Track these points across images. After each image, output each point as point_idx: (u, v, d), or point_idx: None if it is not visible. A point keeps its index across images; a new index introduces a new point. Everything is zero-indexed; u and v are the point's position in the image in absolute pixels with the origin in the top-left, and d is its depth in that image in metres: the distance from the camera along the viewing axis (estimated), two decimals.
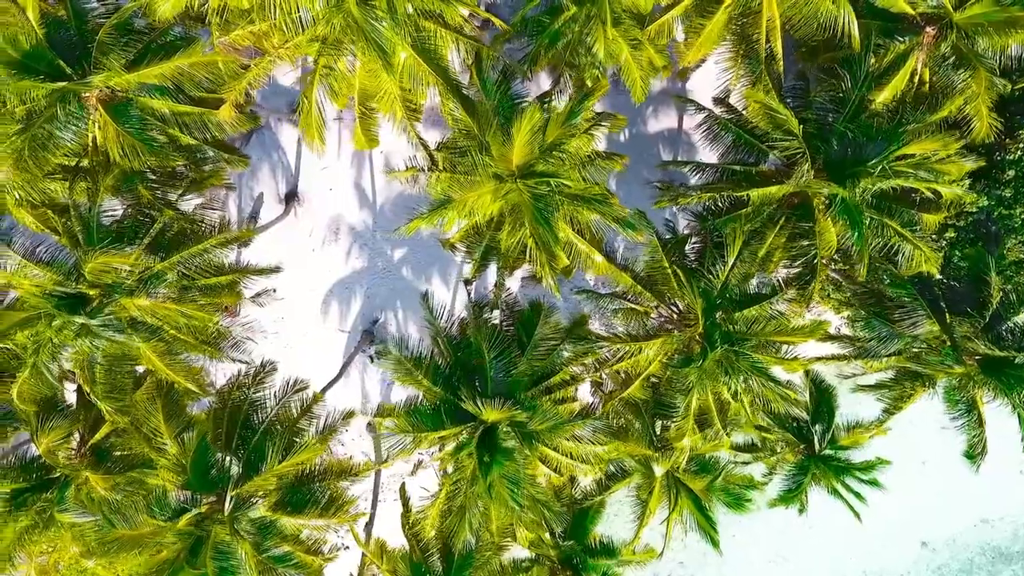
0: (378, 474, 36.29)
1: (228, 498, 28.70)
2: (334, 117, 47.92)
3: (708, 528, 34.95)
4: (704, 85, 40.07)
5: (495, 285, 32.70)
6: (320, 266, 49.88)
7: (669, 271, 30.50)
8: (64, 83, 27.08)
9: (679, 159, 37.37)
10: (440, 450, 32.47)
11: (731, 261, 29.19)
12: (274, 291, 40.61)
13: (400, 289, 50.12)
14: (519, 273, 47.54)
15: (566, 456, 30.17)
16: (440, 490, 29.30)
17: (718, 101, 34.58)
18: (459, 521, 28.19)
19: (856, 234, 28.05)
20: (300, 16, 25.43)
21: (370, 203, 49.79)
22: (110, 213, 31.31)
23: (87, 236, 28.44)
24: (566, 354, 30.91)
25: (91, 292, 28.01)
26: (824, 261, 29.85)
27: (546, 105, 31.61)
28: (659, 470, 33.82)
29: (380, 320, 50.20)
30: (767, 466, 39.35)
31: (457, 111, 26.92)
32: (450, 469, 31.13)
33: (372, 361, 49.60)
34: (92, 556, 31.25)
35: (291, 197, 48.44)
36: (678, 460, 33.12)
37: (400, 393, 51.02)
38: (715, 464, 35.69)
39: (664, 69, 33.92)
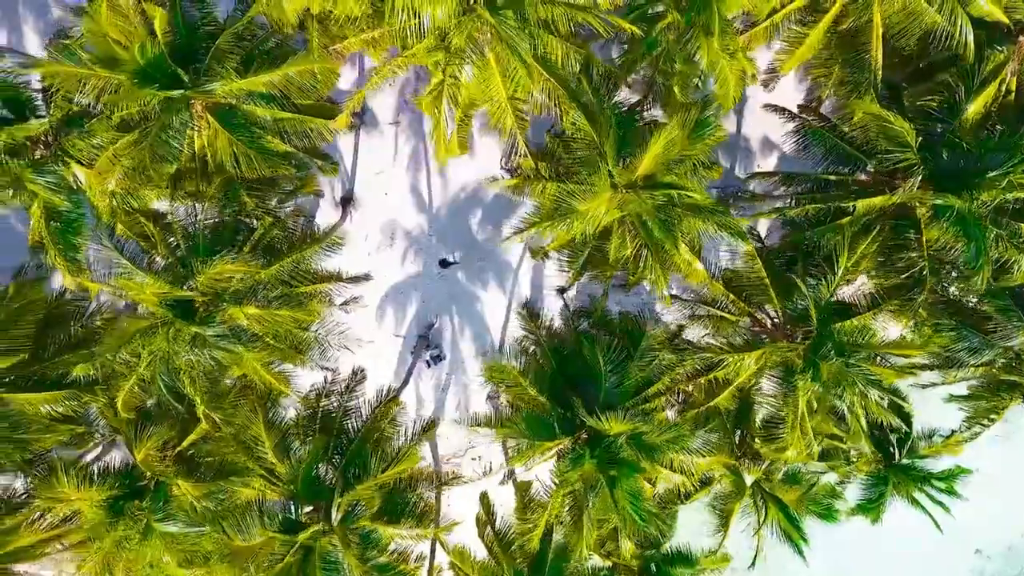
0: (439, 480, 36.12)
1: (336, 508, 28.40)
2: (390, 122, 47.83)
3: (799, 538, 34.87)
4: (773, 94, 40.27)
5: (602, 294, 32.46)
6: (375, 270, 49.70)
7: (767, 281, 30.40)
8: (183, 91, 26.86)
9: (763, 170, 37.13)
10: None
11: (840, 272, 29.12)
12: (360, 298, 40.35)
13: (455, 293, 50.00)
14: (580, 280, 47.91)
15: (666, 467, 30.08)
16: (550, 501, 29.05)
17: (804, 109, 34.52)
18: (577, 535, 27.99)
19: (973, 245, 27.98)
20: (421, 24, 25.18)
21: (426, 207, 49.66)
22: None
23: (194, 244, 28.17)
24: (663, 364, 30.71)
25: (201, 300, 27.70)
26: (930, 272, 29.78)
27: (643, 114, 31.51)
28: (749, 479, 33.76)
29: (435, 325, 50.01)
30: (839, 475, 39.25)
31: (579, 120, 26.75)
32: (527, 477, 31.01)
33: (428, 366, 49.44)
34: (191, 567, 30.91)
35: (347, 201, 48.22)
36: (772, 470, 33.07)
37: (453, 399, 51.49)
38: (802, 475, 35.59)
39: (752, 78, 33.85)
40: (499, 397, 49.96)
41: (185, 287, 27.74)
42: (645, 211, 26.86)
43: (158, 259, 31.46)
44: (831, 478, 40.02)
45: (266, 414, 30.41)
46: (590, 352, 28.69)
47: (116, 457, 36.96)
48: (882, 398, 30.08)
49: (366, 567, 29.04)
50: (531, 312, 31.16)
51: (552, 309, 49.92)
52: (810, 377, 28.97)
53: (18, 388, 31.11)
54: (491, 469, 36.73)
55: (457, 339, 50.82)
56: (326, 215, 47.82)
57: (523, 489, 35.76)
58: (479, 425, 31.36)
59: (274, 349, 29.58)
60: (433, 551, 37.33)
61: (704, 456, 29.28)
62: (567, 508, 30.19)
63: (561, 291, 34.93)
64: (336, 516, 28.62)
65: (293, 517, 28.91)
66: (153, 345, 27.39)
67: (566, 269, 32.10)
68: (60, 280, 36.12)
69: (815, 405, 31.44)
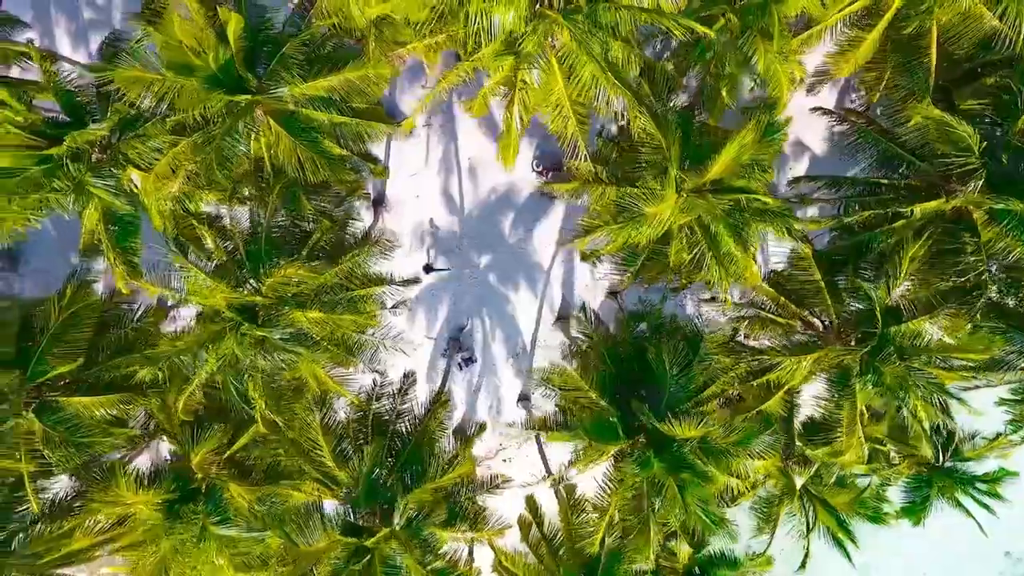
0: (492, 484, 36.09)
1: (398, 512, 28.40)
2: (423, 124, 47.86)
3: (850, 541, 34.98)
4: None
5: (661, 298, 32.52)
6: (407, 273, 49.76)
7: (821, 284, 30.51)
8: (251, 96, 26.83)
9: (811, 174, 37.12)
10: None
11: (902, 275, 29.19)
12: (409, 300, 40.36)
13: (486, 296, 49.99)
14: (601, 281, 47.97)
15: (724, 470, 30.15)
16: (608, 506, 29.10)
17: (851, 112, 34.61)
18: (643, 537, 28.04)
19: None
20: (492, 28, 25.22)
21: (457, 209, 49.66)
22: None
23: (254, 248, 28.15)
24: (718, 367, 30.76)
25: (262, 304, 27.72)
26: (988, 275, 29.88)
27: (696, 117, 31.57)
28: (799, 481, 33.85)
29: (467, 327, 50.00)
30: (880, 479, 39.33)
31: (648, 125, 26.80)
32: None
33: (460, 368, 49.46)
34: (248, 570, 30.90)
35: (379, 203, 48.16)
36: (821, 473, 33.15)
37: (484, 401, 51.53)
38: (848, 478, 35.66)
39: (800, 81, 33.94)
40: (531, 400, 50.13)
41: (246, 290, 27.65)
42: (714, 215, 26.90)
43: (210, 263, 31.41)
44: (864, 480, 40.17)
45: (323, 417, 30.25)
46: (655, 356, 28.69)
47: (144, 461, 37.16)
48: (942, 400, 30.09)
49: (425, 571, 28.98)
50: (588, 315, 31.02)
51: (588, 310, 50.24)
52: (870, 381, 28.99)
53: (73, 392, 30.97)
54: (551, 472, 36.74)
55: (488, 342, 50.84)
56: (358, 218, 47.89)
57: (569, 492, 35.79)
58: (533, 428, 31.29)
59: (331, 352, 29.44)
60: (471, 552, 37.40)
61: (765, 459, 29.27)
62: (622, 511, 30.12)
63: (614, 294, 34.87)
64: (399, 520, 28.50)
65: (353, 521, 28.75)
66: (223, 348, 27.31)
67: (620, 273, 31.99)
68: (101, 285, 36.32)
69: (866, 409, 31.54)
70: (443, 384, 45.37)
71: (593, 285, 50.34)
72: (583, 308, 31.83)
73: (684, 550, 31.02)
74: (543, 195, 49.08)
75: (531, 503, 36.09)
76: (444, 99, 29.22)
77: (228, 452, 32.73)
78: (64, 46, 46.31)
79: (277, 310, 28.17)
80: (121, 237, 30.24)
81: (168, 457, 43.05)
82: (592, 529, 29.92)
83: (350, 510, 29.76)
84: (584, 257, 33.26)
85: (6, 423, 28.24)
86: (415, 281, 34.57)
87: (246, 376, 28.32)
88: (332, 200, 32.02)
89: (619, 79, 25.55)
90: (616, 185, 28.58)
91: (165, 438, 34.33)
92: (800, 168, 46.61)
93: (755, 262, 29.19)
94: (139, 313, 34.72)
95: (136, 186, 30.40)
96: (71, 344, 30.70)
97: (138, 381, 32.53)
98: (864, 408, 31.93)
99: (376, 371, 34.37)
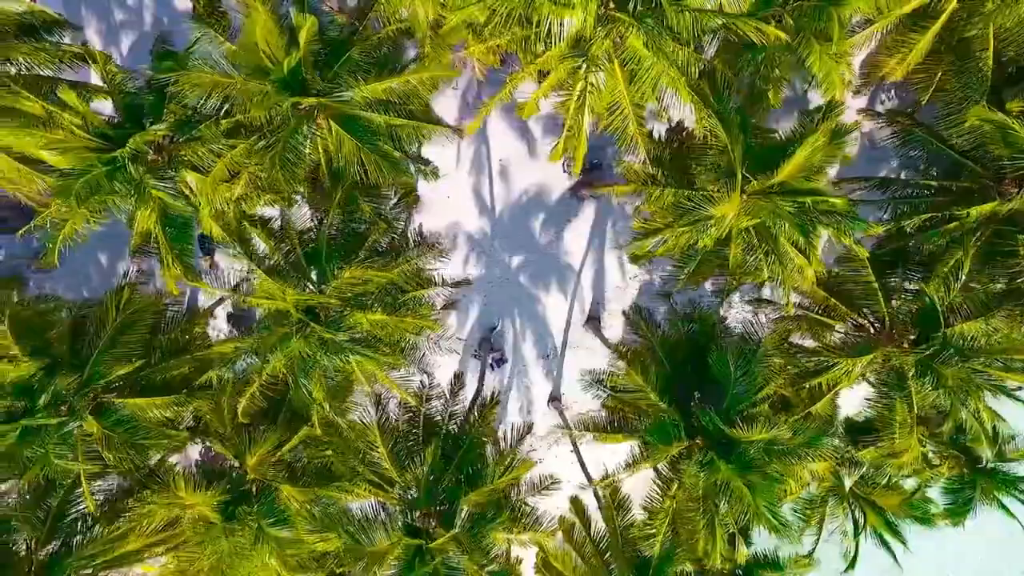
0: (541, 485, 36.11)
1: (459, 514, 28.48)
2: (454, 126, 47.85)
3: (899, 541, 35.13)
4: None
5: (719, 300, 32.62)
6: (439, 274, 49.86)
7: (875, 286, 30.70)
8: (318, 98, 26.86)
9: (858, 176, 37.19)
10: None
11: (964, 276, 29.35)
12: (459, 302, 40.44)
13: (518, 296, 50.12)
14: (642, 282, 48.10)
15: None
16: (666, 508, 29.21)
17: (898, 115, 34.76)
18: (712, 539, 28.13)
19: None
20: (561, 31, 25.32)
21: (488, 211, 49.74)
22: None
23: (316, 249, 28.20)
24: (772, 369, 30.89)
25: (329, 305, 27.78)
26: None
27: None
28: (848, 483, 34.00)
29: (498, 328, 50.10)
30: (919, 480, 39.40)
31: (715, 127, 26.93)
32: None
33: (492, 369, 49.52)
34: (304, 571, 30.96)
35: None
36: (871, 475, 33.30)
37: (515, 402, 51.62)
38: (893, 480, 35.77)
39: (848, 83, 34.06)
40: (561, 400, 50.26)
41: (308, 292, 27.71)
42: (780, 217, 27.03)
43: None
44: (906, 482, 40.27)
45: (380, 419, 30.31)
46: (718, 357, 28.79)
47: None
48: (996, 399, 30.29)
49: (484, 573, 29.07)
50: (643, 315, 31.14)
51: (617, 311, 50.31)
52: (929, 382, 29.16)
53: (126, 393, 31.00)
54: (588, 473, 36.80)
55: (519, 342, 50.96)
56: None
57: (613, 493, 35.86)
58: (587, 430, 31.41)
59: (389, 354, 29.52)
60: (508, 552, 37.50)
61: (825, 460, 29.42)
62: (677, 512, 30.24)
63: (667, 296, 34.97)
64: (461, 521, 28.55)
65: (412, 523, 28.82)
66: (290, 350, 27.36)
67: (674, 274, 32.07)
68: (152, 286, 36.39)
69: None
70: (480, 387, 45.44)
71: (624, 286, 50.57)
72: (638, 309, 31.81)
73: (742, 551, 31.07)
74: (573, 196, 49.21)
75: (577, 504, 36.17)
76: (502, 101, 28.94)
77: (279, 454, 32.68)
78: (95, 46, 46.24)
79: (340, 312, 28.15)
80: (176, 238, 30.16)
81: (198, 458, 43.26)
82: (651, 531, 29.85)
83: (406, 511, 29.65)
84: (634, 259, 33.29)
85: (69, 425, 28.14)
86: (466, 283, 34.48)
87: (312, 378, 28.26)
88: (396, 201, 32.05)
89: (691, 82, 25.56)
90: (674, 187, 28.58)
91: (208, 440, 34.28)
92: (831, 170, 46.89)
93: (810, 263, 29.24)
94: (186, 315, 34.70)
95: (190, 188, 30.33)
96: (126, 345, 30.65)
97: (190, 383, 32.65)
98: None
99: (425, 372, 34.41)
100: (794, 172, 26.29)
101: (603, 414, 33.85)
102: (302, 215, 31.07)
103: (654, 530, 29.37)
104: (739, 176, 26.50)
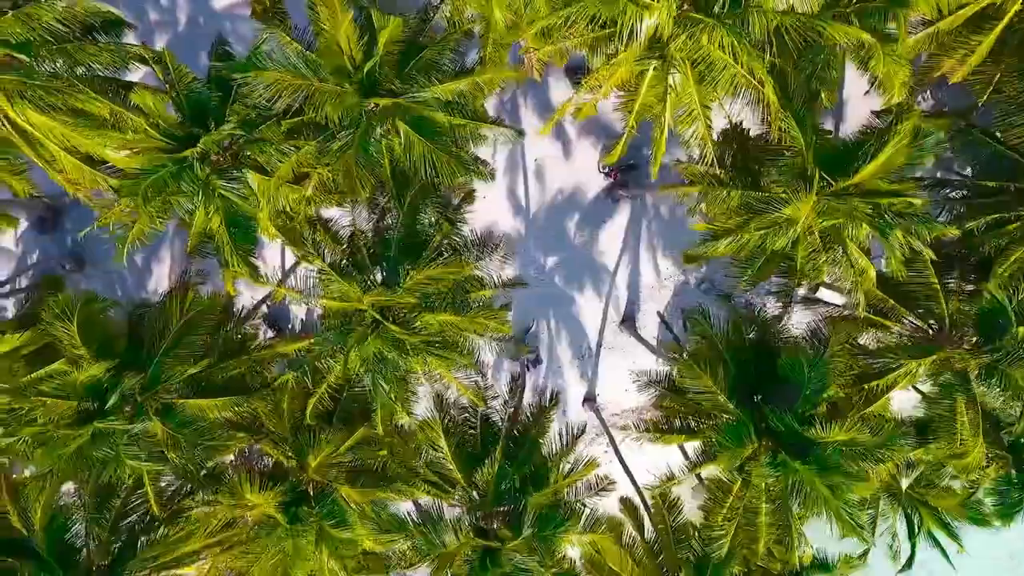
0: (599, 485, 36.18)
1: (527, 516, 28.52)
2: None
3: (957, 544, 35.24)
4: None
5: (784, 301, 32.68)
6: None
7: (937, 287, 30.81)
8: (393, 99, 26.87)
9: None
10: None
11: None
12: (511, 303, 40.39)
13: (552, 297, 50.11)
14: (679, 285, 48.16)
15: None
16: (731, 509, 29.26)
17: (957, 116, 34.85)
18: (789, 540, 28.21)
19: None
20: (640, 30, 25.37)
21: (523, 211, 49.74)
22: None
23: (384, 250, 28.21)
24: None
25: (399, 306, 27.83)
26: None
27: None
28: (905, 483, 34.11)
29: (532, 328, 50.10)
30: (967, 480, 39.39)
31: (792, 128, 27.00)
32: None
33: (528, 369, 49.53)
34: (368, 572, 31.01)
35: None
36: (927, 476, 33.42)
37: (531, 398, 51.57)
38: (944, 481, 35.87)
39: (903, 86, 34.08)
40: (596, 401, 50.27)
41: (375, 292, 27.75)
42: (859, 218, 27.14)
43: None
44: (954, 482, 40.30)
45: (444, 420, 30.34)
46: (790, 359, 28.86)
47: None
48: None
49: (549, 574, 29.11)
50: (705, 316, 31.19)
51: (651, 312, 50.42)
52: (996, 384, 29.29)
53: (187, 394, 30.98)
54: (630, 474, 36.83)
55: (554, 343, 50.96)
56: None
57: (664, 494, 35.88)
58: (648, 432, 31.45)
59: (455, 355, 29.59)
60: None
61: (894, 461, 29.54)
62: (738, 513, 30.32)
63: (727, 298, 35.04)
64: (529, 523, 28.56)
65: (481, 525, 28.87)
66: (366, 351, 27.36)
67: (739, 275, 32.12)
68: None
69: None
70: (521, 389, 45.47)
71: (658, 287, 50.64)
72: (702, 310, 31.85)
73: (808, 552, 31.16)
74: (608, 197, 49.25)
75: (628, 505, 36.19)
76: (578, 104, 28.96)
77: (337, 455, 32.67)
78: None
79: (409, 313, 28.18)
80: (240, 238, 30.13)
81: (233, 459, 43.14)
82: (719, 532, 29.89)
83: (473, 512, 29.68)
84: (689, 259, 33.33)
85: (139, 426, 28.12)
86: (521, 284, 34.52)
87: (388, 378, 28.29)
88: (460, 202, 32.12)
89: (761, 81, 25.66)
90: (741, 188, 28.67)
91: (261, 442, 34.23)
92: None
93: (890, 265, 29.39)
94: (245, 314, 34.74)
95: (253, 188, 30.32)
96: (188, 346, 30.66)
97: (245, 383, 32.67)
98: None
99: (481, 372, 34.44)
100: (875, 173, 26.38)
101: (657, 415, 33.81)
102: (362, 216, 30.98)
103: (723, 531, 29.30)
104: (816, 177, 26.56)
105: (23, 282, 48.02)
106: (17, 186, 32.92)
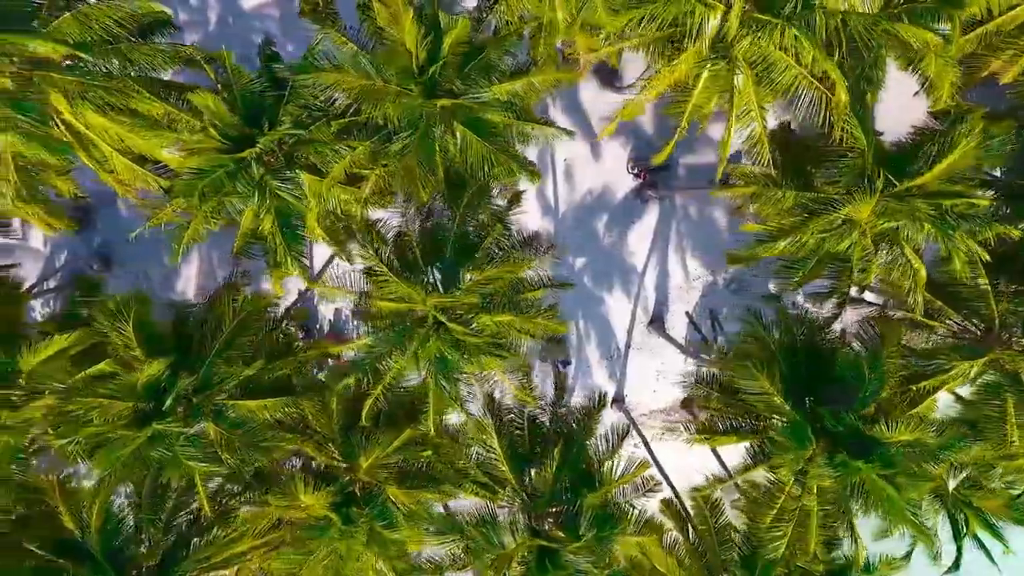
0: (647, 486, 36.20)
1: (583, 517, 28.52)
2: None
3: (1001, 542, 35.28)
4: None
5: (837, 302, 32.70)
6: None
7: (988, 289, 30.87)
8: (453, 99, 26.82)
9: None
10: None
11: None
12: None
13: (580, 297, 50.06)
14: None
15: None
16: (789, 510, 29.27)
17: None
18: (854, 543, 28.22)
19: None
20: (706, 30, 25.37)
21: (552, 211, 49.72)
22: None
23: (439, 252, 28.17)
24: None
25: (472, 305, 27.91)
26: None
27: None
28: (952, 483, 34.17)
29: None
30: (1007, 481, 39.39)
31: (854, 128, 27.04)
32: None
33: (561, 369, 49.51)
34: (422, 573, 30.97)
35: None
36: (981, 477, 33.49)
37: (578, 403, 51.52)
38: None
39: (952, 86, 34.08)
40: (624, 402, 50.25)
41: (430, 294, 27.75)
42: (922, 219, 27.16)
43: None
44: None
45: (496, 420, 30.32)
46: (850, 360, 28.88)
47: None
48: None
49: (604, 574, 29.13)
50: (758, 317, 31.19)
51: (679, 312, 50.42)
52: None
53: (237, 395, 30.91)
54: (665, 475, 36.83)
55: (582, 343, 50.94)
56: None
57: (706, 496, 35.90)
58: (696, 432, 31.48)
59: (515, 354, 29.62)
60: None
61: (953, 462, 29.59)
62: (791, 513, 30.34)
63: (776, 299, 35.05)
64: (586, 525, 28.56)
65: (533, 526, 28.86)
66: (427, 351, 27.32)
67: (790, 276, 32.14)
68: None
69: None
70: (560, 392, 45.38)
71: (687, 287, 50.66)
72: (755, 312, 31.84)
73: (863, 550, 31.19)
74: (637, 197, 49.25)
75: (671, 507, 36.19)
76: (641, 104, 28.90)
77: (385, 456, 32.61)
78: None
79: (465, 313, 28.15)
80: (291, 239, 30.06)
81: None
82: (777, 533, 29.89)
83: (527, 513, 29.67)
84: (734, 260, 33.34)
85: (196, 427, 28.04)
86: (568, 285, 34.50)
87: (449, 379, 28.29)
88: (510, 202, 32.09)
89: (820, 82, 25.69)
90: (795, 189, 28.69)
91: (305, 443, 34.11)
92: None
93: (955, 265, 29.44)
94: (290, 312, 34.70)
95: (304, 188, 30.26)
96: (239, 347, 30.59)
97: (291, 384, 32.63)
98: None
99: (525, 372, 34.42)
100: (942, 174, 26.42)
101: (695, 416, 33.86)
102: (409, 217, 30.96)
103: (780, 532, 29.30)
104: (881, 178, 26.58)
105: (50, 283, 47.88)
106: (63, 187, 32.85)
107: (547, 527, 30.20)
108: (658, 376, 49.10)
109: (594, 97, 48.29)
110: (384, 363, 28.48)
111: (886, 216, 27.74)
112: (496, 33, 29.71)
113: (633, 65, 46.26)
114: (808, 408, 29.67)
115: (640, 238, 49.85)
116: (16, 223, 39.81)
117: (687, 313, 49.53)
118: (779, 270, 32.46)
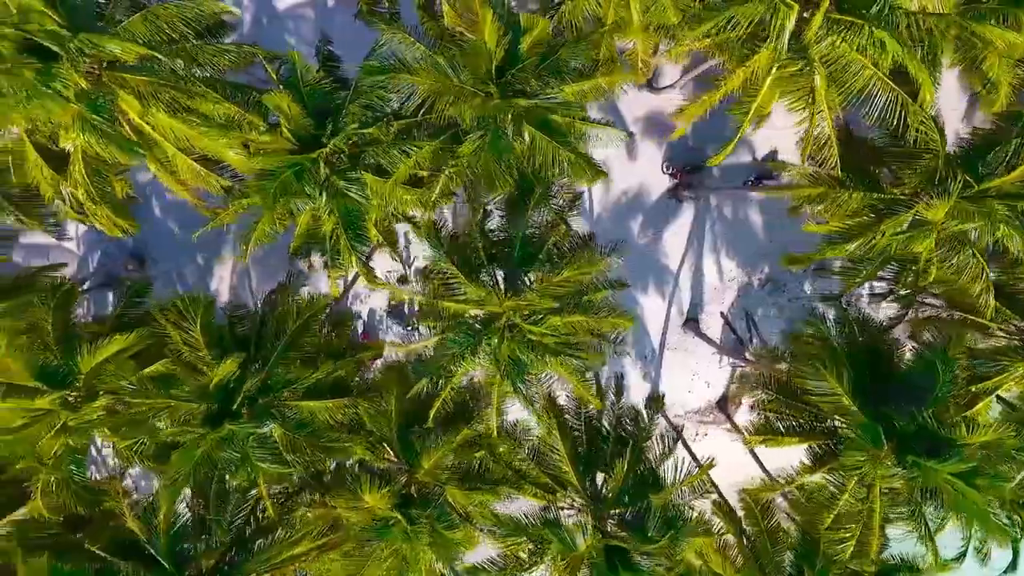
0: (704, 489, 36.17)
1: (653, 518, 28.49)
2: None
3: None
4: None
5: (905, 303, 32.70)
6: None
7: None
8: (527, 100, 26.73)
9: None
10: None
11: None
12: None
13: (617, 297, 49.68)
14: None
15: None
16: (855, 512, 29.24)
17: None
18: (931, 547, 28.24)
19: None
20: (783, 30, 25.33)
21: (587, 211, 49.62)
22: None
23: (507, 254, 28.07)
24: None
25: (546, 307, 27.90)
26: None
27: None
28: (1011, 485, 34.04)
29: None
30: None
31: (930, 129, 27.03)
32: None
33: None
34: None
35: None
36: None
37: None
38: None
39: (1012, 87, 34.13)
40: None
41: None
42: (999, 220, 27.17)
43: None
44: None
45: (560, 421, 30.25)
46: (924, 360, 28.86)
47: None
48: None
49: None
50: (822, 319, 31.12)
51: (714, 313, 50.34)
52: None
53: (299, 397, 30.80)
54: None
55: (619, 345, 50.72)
56: None
57: (755, 497, 35.85)
58: (758, 434, 31.44)
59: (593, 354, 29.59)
60: None
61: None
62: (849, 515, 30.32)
63: (837, 299, 35.03)
64: (654, 525, 28.52)
65: (598, 527, 28.82)
66: (502, 353, 27.22)
67: (853, 276, 32.12)
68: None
69: None
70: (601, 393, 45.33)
71: (722, 288, 50.60)
72: (815, 314, 31.82)
73: (932, 560, 31.13)
74: (672, 197, 49.22)
75: (724, 508, 36.09)
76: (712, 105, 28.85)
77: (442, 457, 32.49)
78: None
79: (534, 314, 28.06)
80: (356, 239, 29.94)
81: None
82: (845, 535, 29.84)
83: (596, 514, 29.61)
84: (792, 262, 33.28)
85: (264, 429, 27.92)
86: (624, 285, 34.44)
87: (520, 379, 28.21)
88: (570, 203, 32.02)
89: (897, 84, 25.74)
90: (863, 190, 28.67)
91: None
92: None
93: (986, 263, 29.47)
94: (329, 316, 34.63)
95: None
96: (300, 348, 30.48)
97: (348, 384, 32.54)
98: None
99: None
100: (1022, 175, 26.46)
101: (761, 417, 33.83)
102: (457, 215, 30.92)
103: (849, 533, 29.27)
104: (959, 178, 26.58)
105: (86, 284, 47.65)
106: (117, 187, 32.65)
107: (609, 528, 30.01)
108: (693, 376, 48.92)
109: (631, 98, 48.17)
110: (456, 364, 28.23)
111: (959, 217, 27.66)
112: (560, 34, 29.56)
113: (668, 67, 46.41)
114: (876, 409, 29.53)
115: (675, 238, 49.75)
116: (69, 225, 39.43)
117: (722, 313, 49.45)
118: (842, 271, 32.30)
